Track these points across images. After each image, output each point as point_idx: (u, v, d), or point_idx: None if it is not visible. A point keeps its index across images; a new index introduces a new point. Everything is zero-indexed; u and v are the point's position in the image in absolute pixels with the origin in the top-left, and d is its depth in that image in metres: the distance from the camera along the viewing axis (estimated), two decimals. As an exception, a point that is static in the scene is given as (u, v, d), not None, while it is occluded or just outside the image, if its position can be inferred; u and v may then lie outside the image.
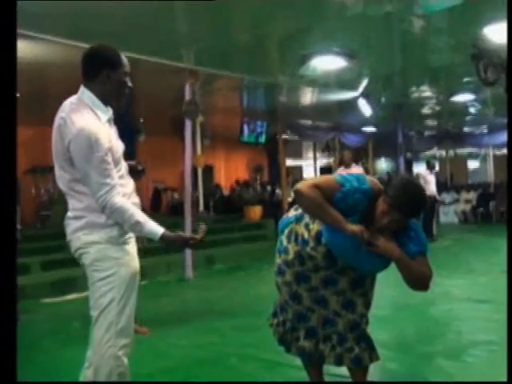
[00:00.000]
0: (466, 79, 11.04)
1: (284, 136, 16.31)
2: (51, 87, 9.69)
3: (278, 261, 3.31)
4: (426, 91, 12.65)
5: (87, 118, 2.71)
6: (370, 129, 18.14)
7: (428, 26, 7.68)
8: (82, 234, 2.78)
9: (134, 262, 2.88)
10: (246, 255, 10.88)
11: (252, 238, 12.34)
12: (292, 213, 3.37)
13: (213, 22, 7.29)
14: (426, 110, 15.50)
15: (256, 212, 14.46)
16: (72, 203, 2.82)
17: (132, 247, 2.91)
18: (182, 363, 4.56)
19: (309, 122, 16.87)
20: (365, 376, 3.27)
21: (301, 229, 3.21)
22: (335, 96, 12.27)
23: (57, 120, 2.79)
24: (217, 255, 10.56)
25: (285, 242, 3.29)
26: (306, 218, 3.20)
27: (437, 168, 19.24)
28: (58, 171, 2.83)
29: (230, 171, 20.31)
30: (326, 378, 3.58)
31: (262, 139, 15.74)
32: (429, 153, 22.30)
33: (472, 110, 15.38)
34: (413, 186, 2.96)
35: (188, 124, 8.93)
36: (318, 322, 3.25)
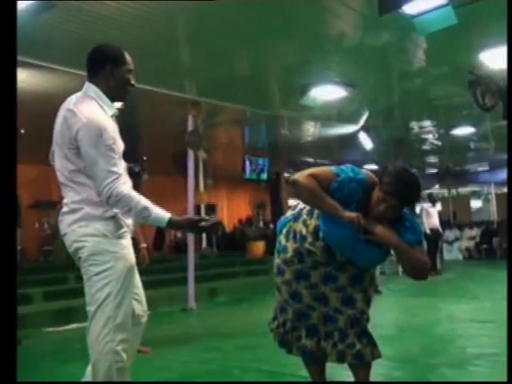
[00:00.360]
0: (465, 112, 11.16)
1: (286, 174, 16.40)
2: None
3: (277, 261, 3.32)
4: (426, 125, 12.80)
5: (94, 109, 2.77)
6: (372, 166, 18.23)
7: (425, 54, 7.82)
8: (78, 227, 2.75)
9: (131, 256, 2.86)
10: (248, 288, 10.80)
11: (254, 272, 12.27)
12: (289, 213, 3.41)
13: (213, 54, 7.45)
14: (426, 146, 15.62)
15: (259, 247, 14.41)
16: (70, 196, 2.80)
17: (128, 241, 2.89)
18: (184, 375, 4.51)
19: (310, 160, 16.97)
20: (367, 374, 3.24)
21: (299, 226, 3.24)
22: (336, 130, 12.40)
23: (62, 113, 2.83)
24: (219, 288, 10.51)
25: (283, 241, 3.30)
26: (304, 216, 3.24)
27: (439, 207, 19.27)
28: (59, 162, 2.84)
29: (233, 209, 20.33)
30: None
31: (264, 176, 15.81)
32: (430, 191, 22.31)
33: (472, 145, 15.49)
34: (407, 173, 3.01)
35: (191, 160, 9.00)
36: (319, 320, 3.23)
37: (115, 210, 2.79)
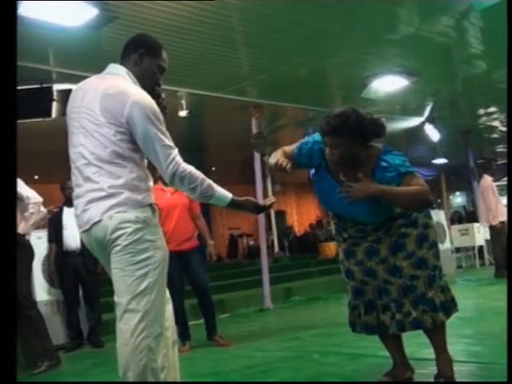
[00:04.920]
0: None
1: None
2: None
3: None
4: (493, 111, 12.48)
5: (136, 86, 2.64)
6: (441, 160, 17.93)
7: (484, 35, 7.67)
8: (115, 213, 2.51)
9: (166, 246, 2.68)
10: (323, 287, 10.75)
11: (328, 271, 12.25)
12: None
13: (272, 55, 7.54)
14: (495, 135, 15.22)
15: (331, 248, 14.39)
16: (104, 180, 2.54)
17: (161, 231, 2.72)
18: (264, 362, 4.60)
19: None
20: (440, 337, 3.21)
21: None
22: (401, 124, 12.26)
23: (93, 90, 2.62)
24: (294, 288, 10.54)
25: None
26: None
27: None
28: (89, 142, 2.57)
29: (302, 214, 20.39)
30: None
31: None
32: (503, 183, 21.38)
33: (545, 129, 14.96)
34: (335, 109, 3.09)
35: (257, 163, 9.10)
36: (374, 294, 3.28)
37: (152, 199, 2.64)
